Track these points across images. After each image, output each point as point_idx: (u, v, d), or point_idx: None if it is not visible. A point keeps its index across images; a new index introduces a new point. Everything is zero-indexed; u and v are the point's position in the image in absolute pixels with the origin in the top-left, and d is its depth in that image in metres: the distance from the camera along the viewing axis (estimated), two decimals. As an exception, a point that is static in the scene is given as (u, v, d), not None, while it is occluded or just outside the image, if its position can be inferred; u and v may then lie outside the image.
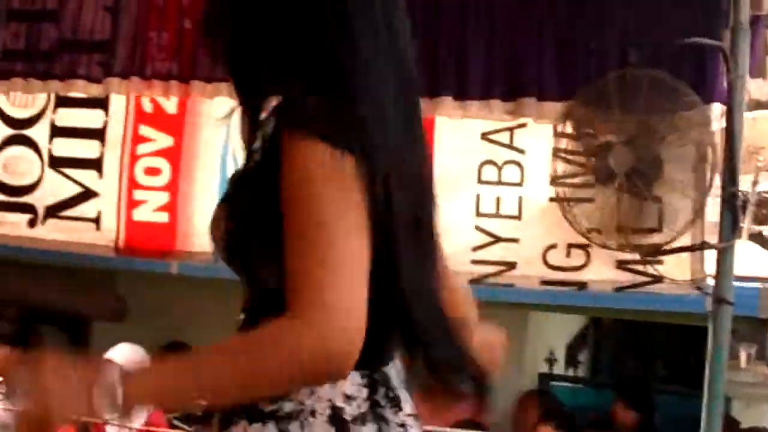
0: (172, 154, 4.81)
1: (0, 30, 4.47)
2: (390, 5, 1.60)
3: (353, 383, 1.54)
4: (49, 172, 4.92)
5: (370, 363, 1.53)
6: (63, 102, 4.94)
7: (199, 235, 4.70)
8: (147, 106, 4.82)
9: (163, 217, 4.83)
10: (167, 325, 5.80)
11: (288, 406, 1.53)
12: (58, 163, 4.94)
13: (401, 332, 1.59)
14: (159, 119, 4.83)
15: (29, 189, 4.95)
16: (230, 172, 4.78)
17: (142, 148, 4.85)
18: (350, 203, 1.42)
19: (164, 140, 4.82)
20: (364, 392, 1.55)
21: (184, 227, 4.79)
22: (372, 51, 1.54)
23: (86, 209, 4.88)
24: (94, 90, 4.48)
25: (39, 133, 4.98)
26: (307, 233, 1.42)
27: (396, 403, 1.59)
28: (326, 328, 1.38)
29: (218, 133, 4.71)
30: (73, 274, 5.68)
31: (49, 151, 4.96)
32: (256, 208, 1.52)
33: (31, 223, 4.93)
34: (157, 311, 5.88)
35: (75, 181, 4.91)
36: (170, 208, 4.82)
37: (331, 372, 1.43)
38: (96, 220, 4.86)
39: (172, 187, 4.82)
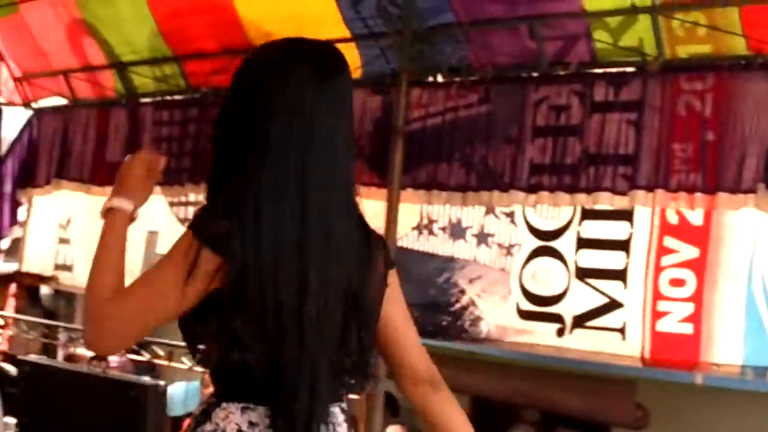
0: (697, 266, 4.78)
1: (528, 145, 4.67)
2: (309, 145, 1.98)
3: (259, 414, 1.98)
4: (576, 283, 5.08)
5: (274, 401, 1.95)
6: (588, 214, 5.10)
7: (724, 346, 4.61)
8: (672, 218, 4.85)
9: (688, 329, 4.79)
10: (691, 436, 5.70)
11: (208, 427, 2.01)
12: (584, 273, 5.09)
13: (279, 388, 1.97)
14: (684, 231, 4.83)
15: (557, 299, 5.15)
16: (757, 284, 4.67)
17: (666, 260, 4.87)
18: (170, 268, 1.93)
19: (689, 252, 4.81)
20: (266, 422, 1.97)
21: (708, 339, 4.71)
22: (269, 185, 1.95)
23: (612, 320, 4.97)
24: (620, 202, 4.51)
25: (566, 244, 5.17)
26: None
27: None
28: (99, 322, 1.94)
29: (745, 244, 4.64)
30: (593, 380, 5.77)
31: (575, 262, 5.13)
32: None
33: (560, 333, 5.09)
34: (680, 421, 5.80)
35: (601, 292, 5.02)
36: (695, 319, 4.76)
37: (87, 341, 2.02)
38: (621, 331, 4.93)
39: (696, 298, 4.77)
